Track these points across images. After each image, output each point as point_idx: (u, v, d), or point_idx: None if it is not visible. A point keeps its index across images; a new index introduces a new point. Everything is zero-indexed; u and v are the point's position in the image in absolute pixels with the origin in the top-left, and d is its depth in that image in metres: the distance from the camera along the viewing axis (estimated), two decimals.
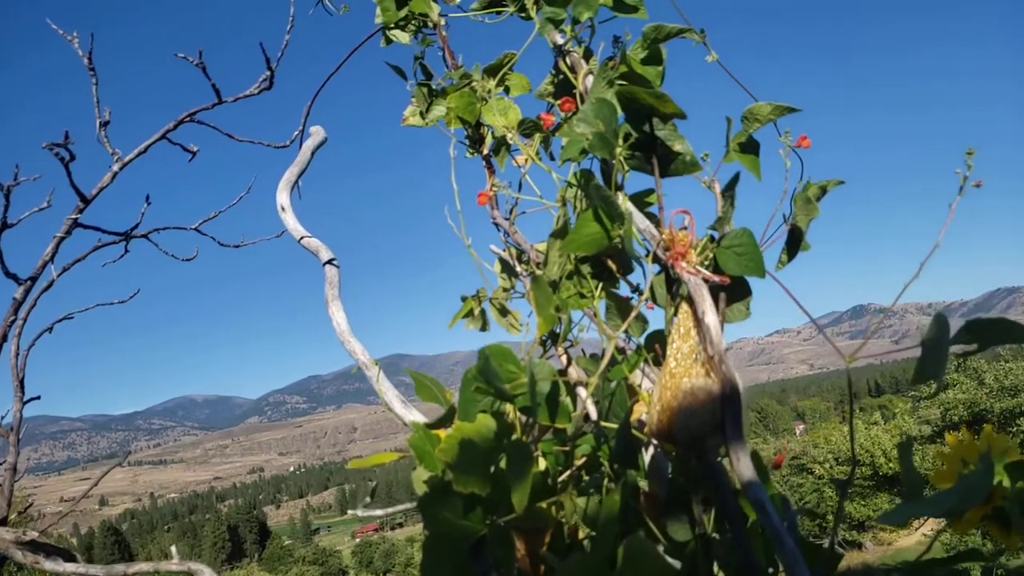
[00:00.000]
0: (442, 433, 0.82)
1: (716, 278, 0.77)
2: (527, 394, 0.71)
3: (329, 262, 1.20)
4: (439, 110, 1.04)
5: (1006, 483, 0.76)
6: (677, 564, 0.82)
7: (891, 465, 18.65)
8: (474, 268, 1.10)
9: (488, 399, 0.80)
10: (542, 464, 0.82)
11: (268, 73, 1.24)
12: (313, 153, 1.33)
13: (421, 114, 1.06)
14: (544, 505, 0.81)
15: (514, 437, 0.91)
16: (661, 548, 0.83)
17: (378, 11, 1.10)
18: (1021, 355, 12.82)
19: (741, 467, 0.70)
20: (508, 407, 0.81)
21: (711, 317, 0.74)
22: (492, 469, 0.73)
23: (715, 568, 0.81)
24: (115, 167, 1.23)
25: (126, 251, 1.46)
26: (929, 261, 0.79)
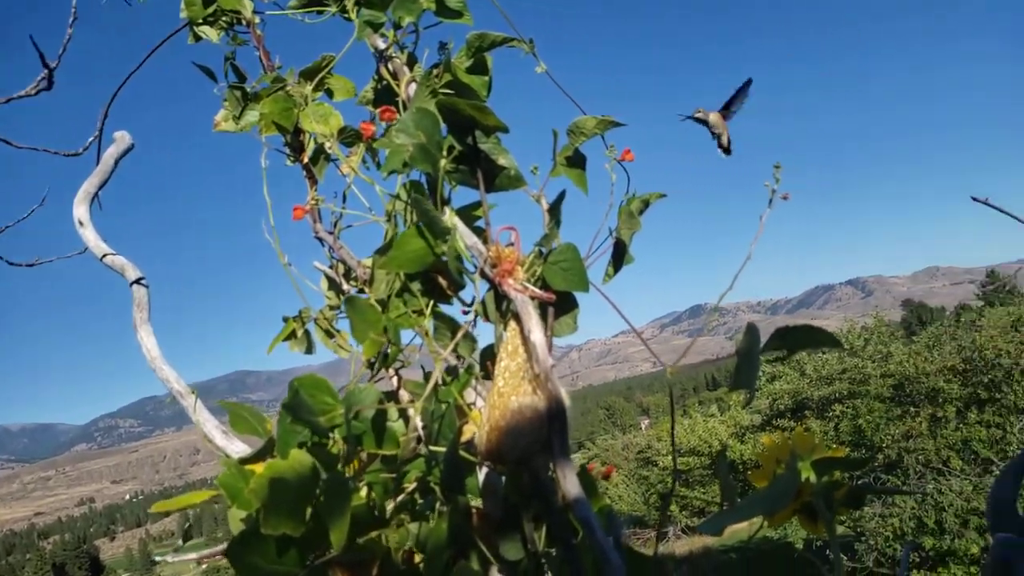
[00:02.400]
0: (259, 468, 0.76)
1: (543, 295, 0.76)
2: (346, 425, 0.67)
3: (137, 282, 1.08)
4: (252, 115, 0.97)
5: (813, 479, 0.79)
6: None
7: (726, 454, 19.97)
8: (314, 282, 1.03)
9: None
10: (368, 494, 0.78)
11: (46, 72, 1.11)
12: (117, 161, 1.20)
13: (235, 119, 0.99)
14: (373, 535, 0.77)
15: (341, 467, 0.86)
16: (495, 568, 0.81)
17: (183, 5, 1.00)
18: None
19: (567, 485, 0.69)
20: (334, 435, 0.76)
21: (537, 334, 0.73)
22: (311, 505, 0.68)
23: None
24: None
25: None
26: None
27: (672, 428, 0.72)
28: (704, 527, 0.65)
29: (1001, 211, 1.75)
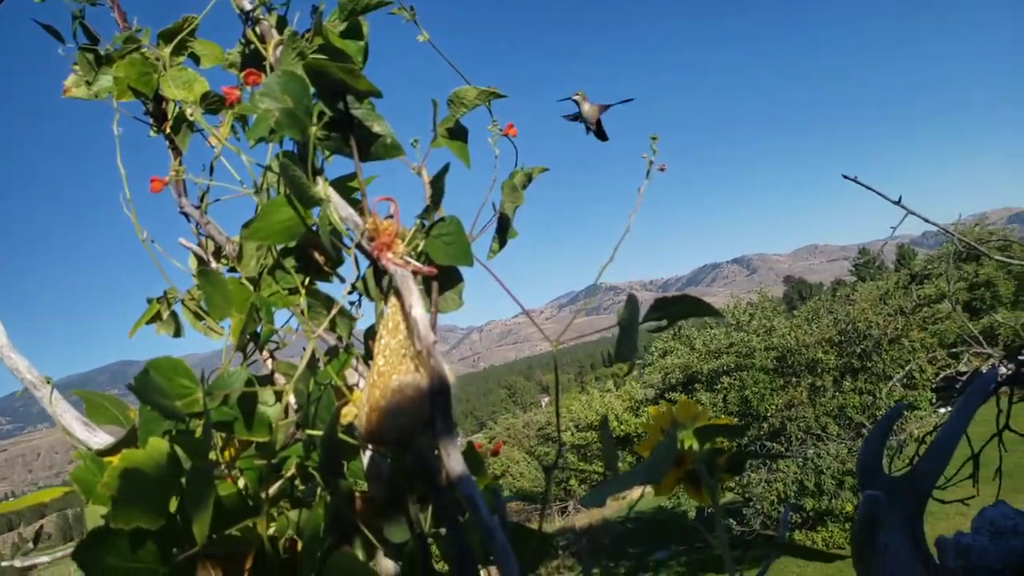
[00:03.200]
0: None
1: (424, 268, 0.73)
2: (211, 410, 0.62)
3: None
4: (106, 80, 0.89)
5: (696, 447, 0.81)
6: (394, 566, 0.78)
7: (623, 427, 20.62)
8: (186, 261, 0.97)
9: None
10: (242, 483, 0.74)
11: None
12: None
13: (87, 84, 0.90)
14: (249, 525, 0.73)
15: (214, 456, 0.81)
16: (380, 552, 0.79)
17: None
18: (723, 323, 14.74)
19: (451, 463, 0.67)
20: (196, 424, 0.71)
21: (418, 310, 0.70)
22: (176, 497, 0.63)
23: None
24: None
25: None
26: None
27: (556, 399, 0.71)
28: (586, 500, 0.65)
29: (868, 188, 1.85)
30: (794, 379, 12.70)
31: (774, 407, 12.42)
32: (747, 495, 12.10)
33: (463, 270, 0.80)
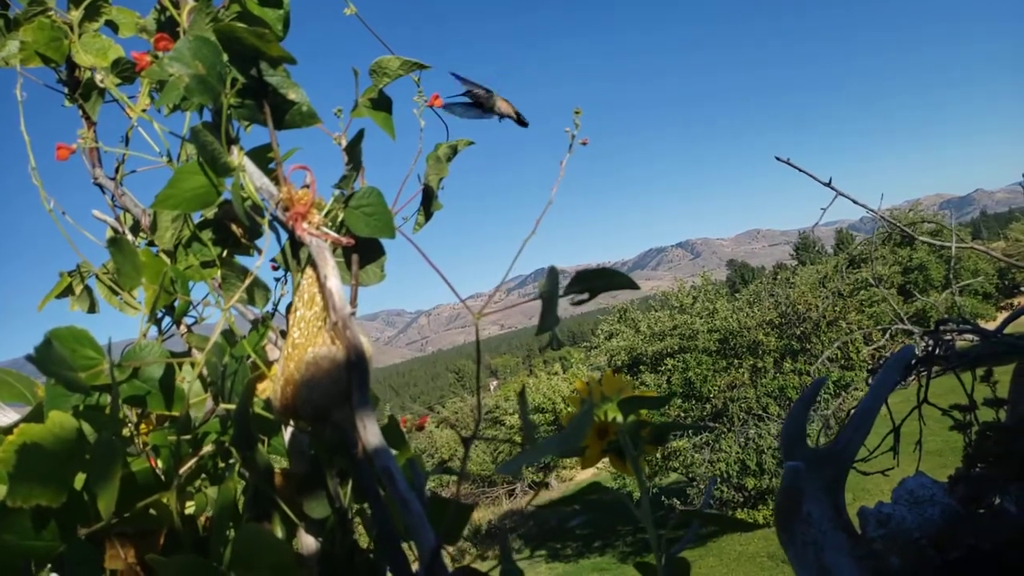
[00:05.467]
0: None
1: (339, 238, 0.72)
2: (120, 383, 0.61)
3: None
4: (14, 46, 0.85)
5: (619, 418, 0.82)
6: (315, 543, 0.78)
7: (569, 409, 20.80)
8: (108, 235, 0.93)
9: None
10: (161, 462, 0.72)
11: None
12: None
13: None
14: (163, 502, 0.71)
15: (130, 432, 0.79)
16: (301, 528, 0.78)
17: None
18: (667, 306, 14.97)
19: (368, 436, 0.67)
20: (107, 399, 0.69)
21: (334, 281, 0.69)
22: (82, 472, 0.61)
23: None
24: None
25: None
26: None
27: (478, 373, 0.72)
28: (502, 469, 0.65)
29: (800, 170, 1.90)
30: (736, 361, 12.99)
31: (717, 388, 12.69)
32: (690, 475, 12.38)
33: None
